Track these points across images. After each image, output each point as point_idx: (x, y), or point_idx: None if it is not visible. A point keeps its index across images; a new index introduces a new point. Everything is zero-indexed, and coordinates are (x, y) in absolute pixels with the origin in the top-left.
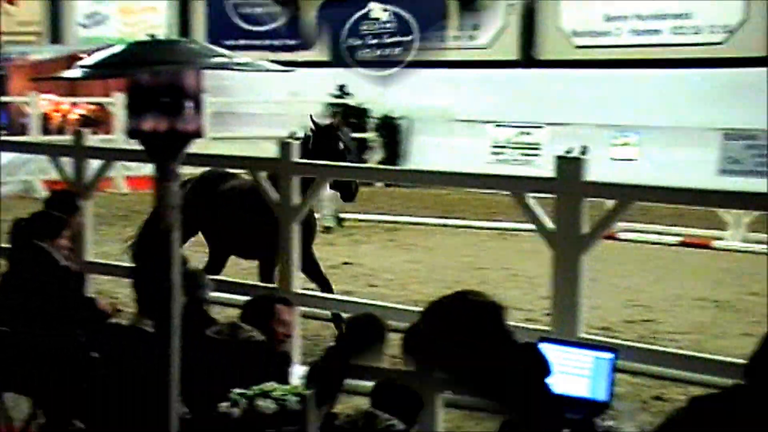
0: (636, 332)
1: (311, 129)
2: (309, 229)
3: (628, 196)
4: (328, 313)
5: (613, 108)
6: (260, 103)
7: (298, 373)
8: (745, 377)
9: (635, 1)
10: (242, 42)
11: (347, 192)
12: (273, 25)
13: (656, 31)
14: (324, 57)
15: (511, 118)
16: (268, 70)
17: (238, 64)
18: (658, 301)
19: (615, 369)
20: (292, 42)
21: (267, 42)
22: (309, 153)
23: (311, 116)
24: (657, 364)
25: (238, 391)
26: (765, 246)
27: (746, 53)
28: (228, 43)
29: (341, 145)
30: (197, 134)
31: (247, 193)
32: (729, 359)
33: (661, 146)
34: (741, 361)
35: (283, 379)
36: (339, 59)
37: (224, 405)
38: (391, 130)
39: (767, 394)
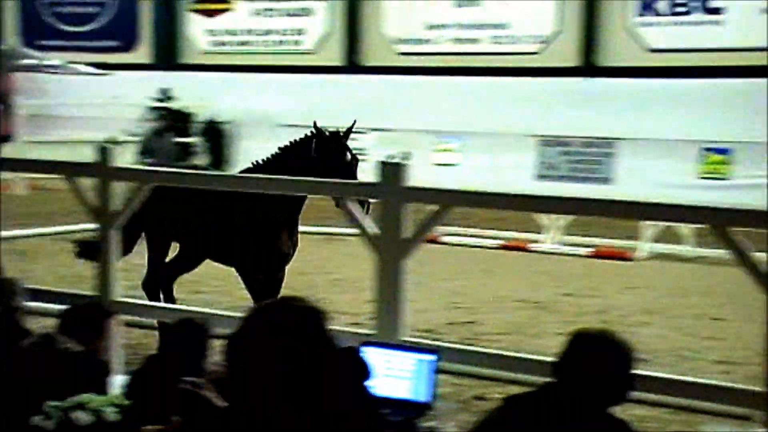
0: (459, 334)
1: (312, 134)
2: (290, 246)
3: (448, 201)
4: (153, 321)
5: (436, 114)
6: (79, 106)
7: (118, 383)
8: (554, 375)
9: (456, 10)
10: (58, 43)
11: None
12: (91, 26)
13: (476, 40)
14: (147, 59)
15: (336, 124)
16: (82, 73)
17: (50, 66)
18: (479, 303)
19: (437, 370)
20: (111, 43)
21: (85, 43)
22: (310, 161)
23: (315, 123)
24: (478, 365)
25: (52, 403)
26: (579, 248)
27: (561, 63)
28: (43, 43)
29: (348, 156)
30: (6, 138)
31: (223, 195)
32: (544, 358)
33: (482, 152)
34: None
35: (102, 389)
36: (164, 61)
37: (37, 418)
38: (215, 134)
39: (573, 390)
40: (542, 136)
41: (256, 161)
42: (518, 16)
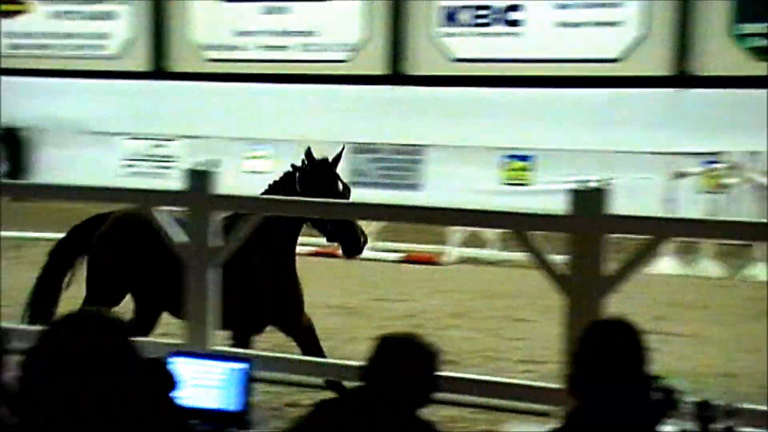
0: (272, 341)
1: (294, 167)
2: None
3: (256, 209)
4: None
5: (247, 121)
6: None
7: None
8: (362, 379)
9: (264, 17)
10: None
11: (354, 244)
12: None
13: (285, 47)
14: None
15: (143, 131)
16: None
17: None
18: None
19: (250, 379)
20: None
21: None
22: (295, 193)
23: (309, 150)
24: (291, 372)
25: None
26: (390, 254)
27: (369, 71)
28: None
29: (340, 186)
30: None
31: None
32: (355, 363)
33: (294, 159)
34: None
35: None
36: None
37: None
38: (14, 141)
39: (381, 393)
40: (353, 142)
41: None
42: (327, 23)
